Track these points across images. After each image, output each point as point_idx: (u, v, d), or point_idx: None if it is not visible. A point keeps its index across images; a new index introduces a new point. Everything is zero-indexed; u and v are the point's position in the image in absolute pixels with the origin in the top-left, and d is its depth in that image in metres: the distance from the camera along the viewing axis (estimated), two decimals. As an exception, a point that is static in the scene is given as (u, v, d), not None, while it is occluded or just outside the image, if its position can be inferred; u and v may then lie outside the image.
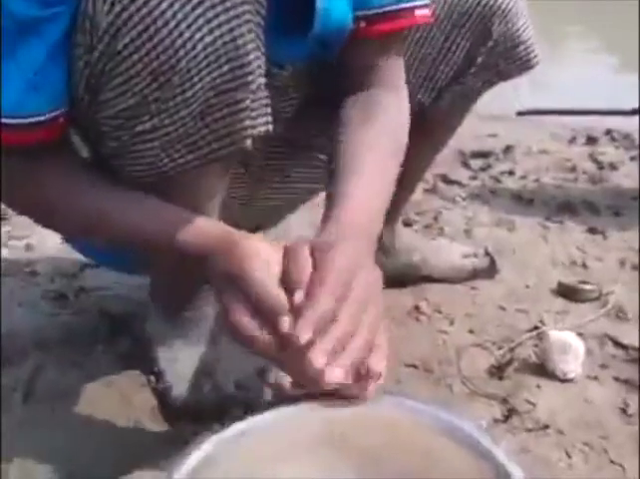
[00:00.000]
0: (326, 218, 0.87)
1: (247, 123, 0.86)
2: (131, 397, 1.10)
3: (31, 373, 1.13)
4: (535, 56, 1.20)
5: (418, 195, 1.87)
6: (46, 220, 0.94)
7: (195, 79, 0.81)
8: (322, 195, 1.39)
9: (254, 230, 1.31)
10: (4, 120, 0.79)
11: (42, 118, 0.81)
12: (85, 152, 0.92)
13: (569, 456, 0.97)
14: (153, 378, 1.11)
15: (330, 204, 0.90)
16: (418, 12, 1.01)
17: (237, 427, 0.81)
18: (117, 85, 0.82)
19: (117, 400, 1.09)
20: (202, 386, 1.05)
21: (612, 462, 0.97)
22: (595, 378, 1.14)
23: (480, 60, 1.18)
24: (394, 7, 0.99)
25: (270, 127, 0.88)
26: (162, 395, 1.08)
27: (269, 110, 0.88)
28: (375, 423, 0.82)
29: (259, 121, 0.87)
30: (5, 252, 1.45)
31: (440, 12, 1.14)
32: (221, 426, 0.80)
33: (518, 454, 0.98)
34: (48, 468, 0.97)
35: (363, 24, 0.99)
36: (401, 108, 1.03)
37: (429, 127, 1.18)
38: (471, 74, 1.19)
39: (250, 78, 0.83)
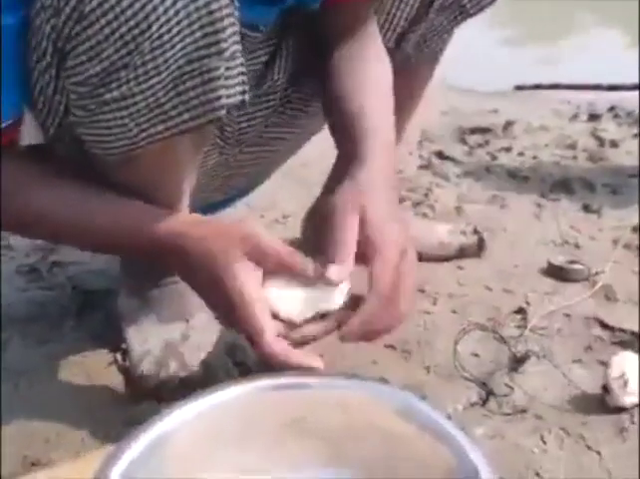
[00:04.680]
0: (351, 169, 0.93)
1: (221, 92, 0.82)
2: (97, 375, 1.07)
3: (-3, 350, 1.11)
4: None
5: (411, 171, 1.83)
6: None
7: (167, 45, 0.77)
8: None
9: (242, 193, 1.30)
10: None
11: None
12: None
13: (544, 442, 0.94)
14: (120, 356, 1.09)
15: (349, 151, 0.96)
16: None
17: (193, 406, 0.79)
18: (84, 50, 0.78)
19: (82, 378, 1.07)
20: (169, 365, 1.02)
21: (589, 448, 0.93)
22: (579, 361, 1.11)
23: None
24: None
25: (246, 96, 0.84)
26: (129, 373, 1.05)
27: (245, 78, 0.84)
28: (334, 406, 0.79)
29: (234, 90, 0.83)
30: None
31: None
32: (180, 404, 0.78)
33: (492, 439, 0.95)
34: (8, 445, 0.94)
35: None
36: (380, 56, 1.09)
37: (401, 75, 1.14)
38: (433, 12, 1.15)
39: (224, 45, 0.79)
